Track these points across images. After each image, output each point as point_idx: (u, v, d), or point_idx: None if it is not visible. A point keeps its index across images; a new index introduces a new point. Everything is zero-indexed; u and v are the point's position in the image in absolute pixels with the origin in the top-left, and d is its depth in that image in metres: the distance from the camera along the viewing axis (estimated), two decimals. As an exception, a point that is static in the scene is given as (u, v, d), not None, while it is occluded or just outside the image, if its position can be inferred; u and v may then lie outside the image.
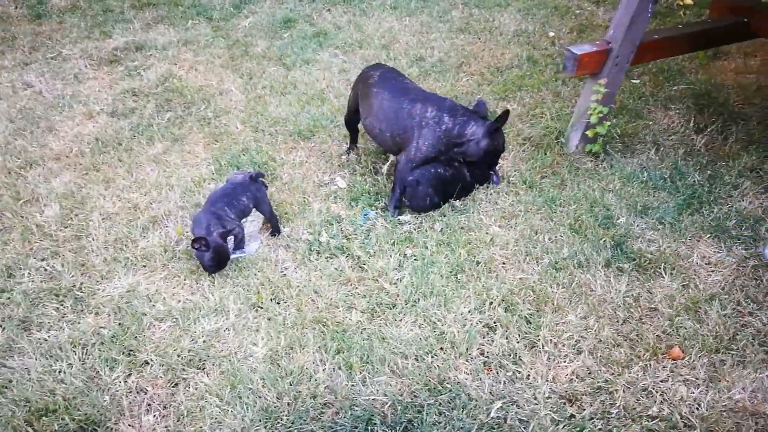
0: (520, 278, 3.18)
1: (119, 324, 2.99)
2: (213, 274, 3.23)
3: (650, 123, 4.40)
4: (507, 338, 2.87)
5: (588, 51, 3.79)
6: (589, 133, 3.95)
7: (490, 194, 3.77)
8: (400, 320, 2.97)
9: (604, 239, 3.39)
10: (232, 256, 3.30)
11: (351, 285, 3.18)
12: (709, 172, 3.88)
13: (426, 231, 3.49)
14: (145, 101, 4.93)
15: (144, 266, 3.34)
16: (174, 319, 3.01)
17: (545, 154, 4.10)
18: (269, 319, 3.00)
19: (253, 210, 3.50)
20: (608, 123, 3.87)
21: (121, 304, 3.09)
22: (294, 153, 4.25)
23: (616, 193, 3.75)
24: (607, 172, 3.94)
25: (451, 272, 3.21)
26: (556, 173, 3.94)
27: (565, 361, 2.75)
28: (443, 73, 5.22)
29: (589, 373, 2.69)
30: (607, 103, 3.89)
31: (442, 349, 2.83)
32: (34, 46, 5.86)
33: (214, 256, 3.11)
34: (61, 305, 3.11)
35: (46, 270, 3.33)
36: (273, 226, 3.54)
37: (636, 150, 4.17)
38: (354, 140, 4.25)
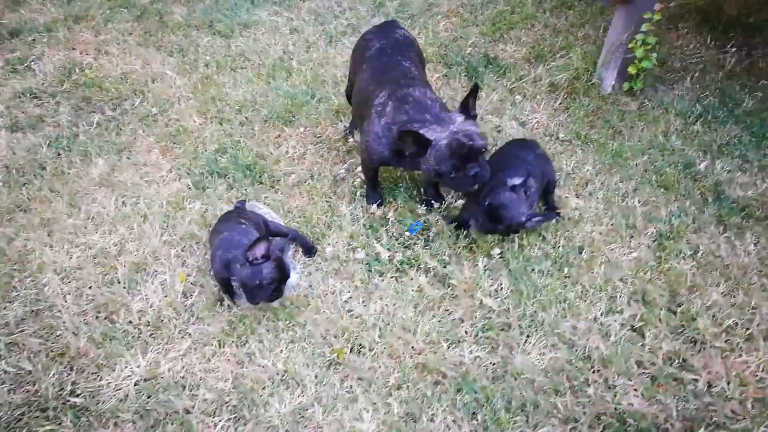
0: (635, 258, 2.63)
1: (155, 435, 2.10)
2: (261, 333, 2.38)
3: (668, 47, 3.94)
4: (658, 339, 2.32)
5: (625, -26, 3.20)
6: (630, 69, 3.41)
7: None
8: (526, 343, 2.33)
9: (699, 192, 2.91)
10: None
11: (441, 308, 2.48)
12: (759, 94, 3.51)
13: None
14: (54, 104, 3.75)
15: (154, 338, 2.42)
16: (232, 409, 2.17)
17: (582, 100, 3.52)
18: (360, 379, 2.24)
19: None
20: (654, 54, 3.34)
21: (146, 404, 2.18)
22: (284, 144, 3.36)
23: (680, 134, 3.28)
24: (657, 111, 3.45)
25: (555, 267, 2.59)
26: (604, 121, 3.39)
27: (741, 355, 2.26)
28: (414, 20, 4.44)
29: (777, 365, 2.22)
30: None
31: (594, 371, 2.23)
32: None
33: (276, 266, 2.28)
34: (58, 425, 2.14)
35: (8, 373, 2.31)
36: (302, 243, 2.73)
37: (667, 80, 3.71)
38: (356, 116, 3.42)
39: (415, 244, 2.74)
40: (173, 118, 3.58)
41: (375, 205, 2.90)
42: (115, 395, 2.22)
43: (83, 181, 3.16)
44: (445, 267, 2.61)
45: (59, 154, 3.34)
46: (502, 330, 2.38)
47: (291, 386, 2.22)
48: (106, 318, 2.49)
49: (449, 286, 2.55)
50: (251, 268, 2.27)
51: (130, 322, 2.46)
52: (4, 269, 2.70)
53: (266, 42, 4.25)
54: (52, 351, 2.38)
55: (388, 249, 2.70)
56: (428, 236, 2.77)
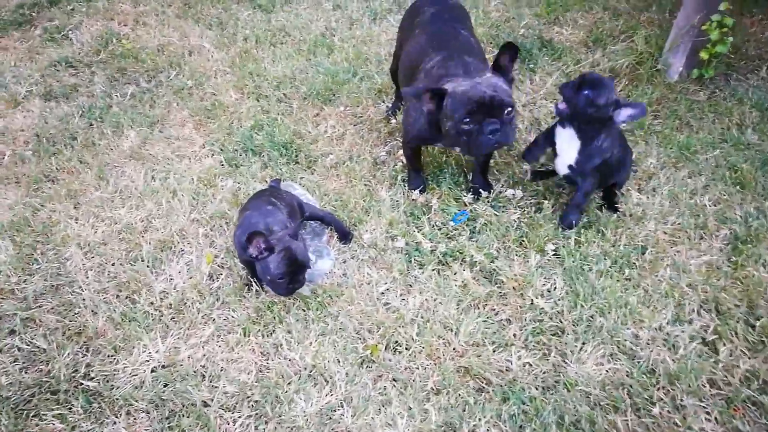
0: (705, 262, 2.35)
1: (170, 429, 1.94)
2: (290, 323, 2.20)
3: (742, 33, 3.60)
4: (734, 356, 2.05)
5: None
6: (702, 54, 3.10)
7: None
8: (581, 351, 2.09)
9: (780, 192, 2.61)
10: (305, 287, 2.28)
11: (487, 307, 2.25)
12: None
13: (549, 212, 2.57)
14: (89, 74, 3.63)
15: (175, 321, 2.26)
16: (254, 404, 1.99)
17: (646, 87, 3.23)
18: (395, 380, 2.03)
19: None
20: (730, 39, 3.02)
21: (162, 393, 2.02)
22: (323, 123, 3.17)
23: (756, 127, 2.96)
24: (730, 102, 3.13)
25: (614, 268, 2.33)
26: (670, 111, 3.09)
27: (830, 379, 1.97)
28: (465, -1, 4.17)
29: None
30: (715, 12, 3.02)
31: (659, 387, 1.98)
32: None
33: (284, 256, 2.07)
34: (68, 410, 2.00)
35: (21, 351, 2.18)
36: (338, 229, 2.53)
37: (740, 68, 3.38)
38: (400, 96, 3.21)
39: (459, 235, 2.52)
40: (209, 92, 3.42)
41: (417, 191, 2.68)
42: (130, 381, 2.07)
43: (113, 153, 3.02)
44: (492, 262, 2.38)
45: (91, 125, 3.22)
46: (554, 335, 2.15)
47: (319, 383, 2.03)
48: (127, 297, 2.35)
49: (497, 283, 2.32)
50: (259, 264, 2.09)
51: (152, 303, 2.30)
52: (27, 240, 2.58)
53: (308, 17, 4.06)
54: (68, 329, 2.25)
55: (430, 239, 2.48)
56: (474, 227, 2.54)
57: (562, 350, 2.09)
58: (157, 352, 2.14)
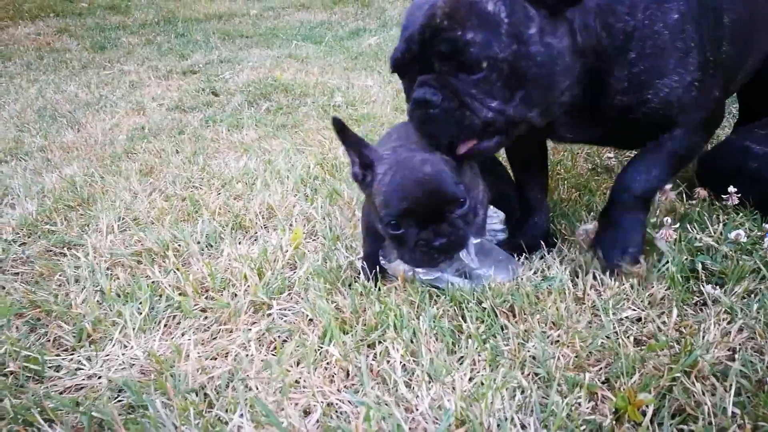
0: None
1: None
2: (418, 334, 0.98)
3: None
4: None
5: None
6: None
7: None
8: None
9: None
10: (472, 269, 1.09)
11: None
12: None
13: None
14: (229, 98, 3.04)
15: (202, 310, 1.14)
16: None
17: None
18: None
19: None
20: None
21: (104, 411, 0.86)
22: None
23: None
24: None
25: None
26: None
27: None
28: None
29: None
30: None
31: None
32: (85, 65, 4.24)
33: (392, 177, 1.05)
34: None
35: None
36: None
37: None
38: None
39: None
40: (361, 110, 2.61)
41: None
42: (70, 384, 0.95)
43: (221, 143, 2.22)
44: None
45: (208, 125, 2.51)
46: None
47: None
48: (140, 272, 1.31)
49: None
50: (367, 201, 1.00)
51: (176, 280, 1.24)
52: (57, 205, 1.72)
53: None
54: (30, 302, 1.23)
55: (728, 247, 1.19)
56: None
57: None
58: (141, 347, 1.03)
